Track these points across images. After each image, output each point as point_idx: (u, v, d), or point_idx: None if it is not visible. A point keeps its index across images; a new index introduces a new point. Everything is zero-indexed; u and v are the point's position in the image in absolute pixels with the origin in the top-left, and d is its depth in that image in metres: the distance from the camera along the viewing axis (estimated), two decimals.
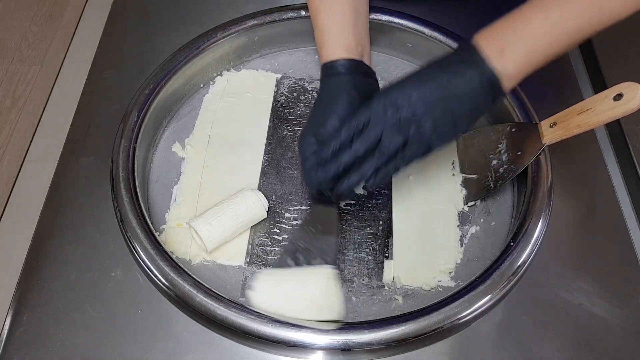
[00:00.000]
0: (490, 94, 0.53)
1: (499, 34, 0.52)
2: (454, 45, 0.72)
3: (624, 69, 0.73)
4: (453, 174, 0.67)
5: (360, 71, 0.62)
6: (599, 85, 0.73)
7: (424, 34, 0.74)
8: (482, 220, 0.64)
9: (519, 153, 0.61)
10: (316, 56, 0.78)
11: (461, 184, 0.66)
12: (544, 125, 0.60)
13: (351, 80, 0.60)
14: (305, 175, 0.58)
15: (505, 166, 0.62)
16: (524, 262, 0.56)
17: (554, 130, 0.58)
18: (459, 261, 0.61)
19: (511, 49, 0.51)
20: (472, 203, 0.65)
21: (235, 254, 0.61)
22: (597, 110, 0.54)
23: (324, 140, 0.56)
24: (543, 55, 0.52)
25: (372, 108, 0.53)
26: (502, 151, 0.63)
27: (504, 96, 0.57)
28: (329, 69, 0.61)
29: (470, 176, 0.66)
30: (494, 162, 0.63)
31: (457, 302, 0.53)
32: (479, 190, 0.64)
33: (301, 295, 0.55)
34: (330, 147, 0.54)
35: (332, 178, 0.55)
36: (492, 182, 0.63)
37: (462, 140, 0.69)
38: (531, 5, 0.52)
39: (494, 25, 0.53)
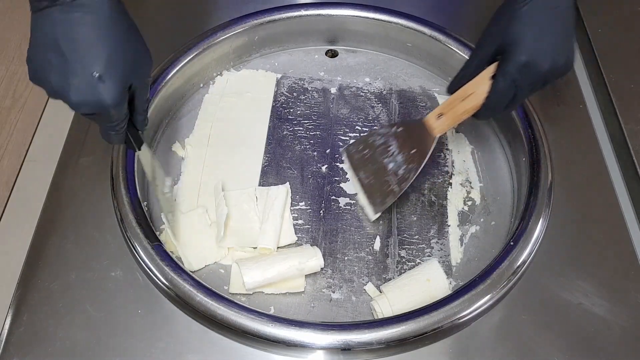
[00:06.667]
0: None
1: None
2: (454, 45, 0.72)
3: (624, 69, 0.73)
4: (453, 173, 0.67)
5: None
6: (599, 85, 0.73)
7: (424, 33, 0.74)
8: (482, 220, 0.64)
9: (413, 151, 0.60)
10: (316, 56, 0.78)
11: (364, 194, 0.63)
12: (431, 118, 0.59)
13: None
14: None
15: (404, 167, 0.60)
16: (524, 262, 0.56)
17: (442, 121, 0.59)
18: (459, 261, 0.61)
19: None
20: (379, 214, 0.62)
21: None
22: (479, 92, 0.54)
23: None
24: None
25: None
26: (395, 153, 0.61)
27: None
28: None
29: (370, 183, 0.63)
30: (390, 165, 0.61)
31: (457, 302, 0.53)
32: (385, 196, 0.61)
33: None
34: None
35: None
36: (395, 186, 0.61)
37: (351, 152, 0.66)
38: None
39: None
